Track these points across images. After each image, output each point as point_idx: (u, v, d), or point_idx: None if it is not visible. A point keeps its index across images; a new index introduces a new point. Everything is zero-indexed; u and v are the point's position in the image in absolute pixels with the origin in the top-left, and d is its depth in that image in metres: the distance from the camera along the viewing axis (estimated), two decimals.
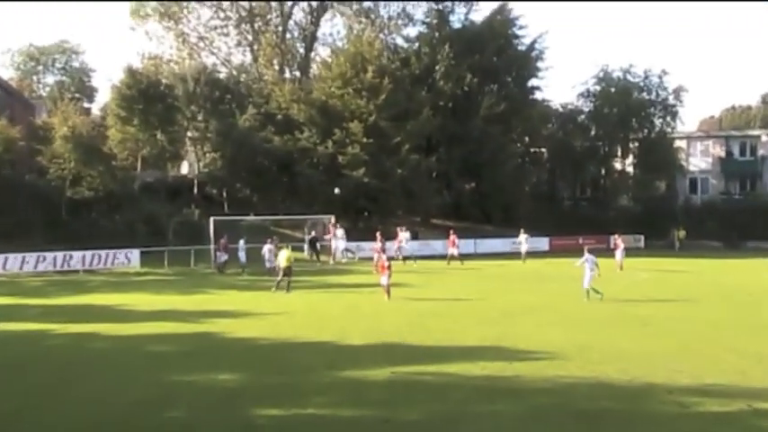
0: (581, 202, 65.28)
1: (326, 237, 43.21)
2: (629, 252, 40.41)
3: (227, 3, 61.61)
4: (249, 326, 20.20)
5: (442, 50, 52.96)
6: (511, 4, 57.77)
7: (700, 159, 66.95)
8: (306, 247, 42.94)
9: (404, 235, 42.97)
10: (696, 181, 66.72)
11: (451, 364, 14.80)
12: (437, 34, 55.41)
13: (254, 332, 19.13)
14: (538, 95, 59.69)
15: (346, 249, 41.79)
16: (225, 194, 52.69)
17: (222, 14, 62.00)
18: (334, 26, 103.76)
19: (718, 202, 63.40)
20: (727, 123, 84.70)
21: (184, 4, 61.20)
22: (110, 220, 43.20)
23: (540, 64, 58.38)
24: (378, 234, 39.42)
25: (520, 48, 58.25)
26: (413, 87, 52.16)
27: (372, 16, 62.31)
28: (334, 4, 62.70)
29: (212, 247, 39.70)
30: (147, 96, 48.91)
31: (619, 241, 39.32)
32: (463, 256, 41.57)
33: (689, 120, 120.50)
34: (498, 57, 56.05)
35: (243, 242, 37.86)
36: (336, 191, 42.69)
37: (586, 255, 25.71)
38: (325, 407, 12.26)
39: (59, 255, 38.25)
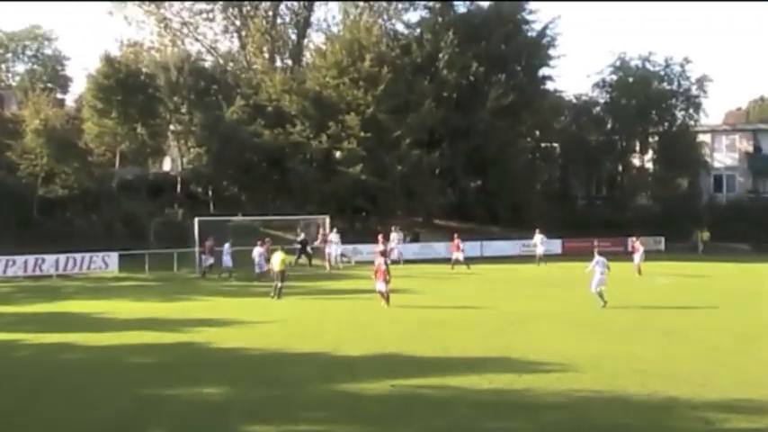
0: (596, 201, 65.27)
1: (318, 242, 42.92)
2: (649, 255, 40.42)
3: None
4: (237, 335, 20.17)
5: (446, 37, 52.98)
6: None
7: (725, 155, 66.92)
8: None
9: (394, 235, 42.90)
10: (721, 178, 66.71)
11: (455, 377, 14.77)
12: (440, 20, 55.43)
13: (242, 342, 19.10)
14: (549, 86, 59.80)
15: (342, 255, 41.57)
16: (210, 193, 52.69)
17: None
18: (328, 11, 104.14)
19: (745, 201, 63.41)
20: (754, 116, 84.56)
21: None
22: (86, 220, 43.16)
23: (551, 51, 58.46)
24: (380, 237, 39.33)
25: (530, 34, 58.30)
26: (414, 77, 52.17)
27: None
28: None
29: (197, 249, 39.68)
30: (126, 87, 48.87)
31: (638, 244, 39.33)
32: (468, 260, 41.56)
33: (713, 112, 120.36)
34: (506, 44, 56.08)
35: (228, 245, 37.86)
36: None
37: (597, 257, 25.72)
38: (319, 423, 12.23)
39: (30, 258, 38.21)
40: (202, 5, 62.12)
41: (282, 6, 62.72)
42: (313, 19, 63.69)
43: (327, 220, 43.79)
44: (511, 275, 38.39)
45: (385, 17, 60.98)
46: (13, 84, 74.04)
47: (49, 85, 66.70)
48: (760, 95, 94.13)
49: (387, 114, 49.40)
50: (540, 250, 44.09)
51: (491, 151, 53.20)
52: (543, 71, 58.96)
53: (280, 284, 28.37)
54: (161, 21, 61.91)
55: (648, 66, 63.44)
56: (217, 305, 27.19)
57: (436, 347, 18.05)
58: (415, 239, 50.58)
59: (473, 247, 46.36)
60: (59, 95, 64.94)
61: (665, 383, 14.31)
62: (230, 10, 62.47)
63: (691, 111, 63.85)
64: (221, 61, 61.52)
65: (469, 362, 16.37)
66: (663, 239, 55.99)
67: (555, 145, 63.01)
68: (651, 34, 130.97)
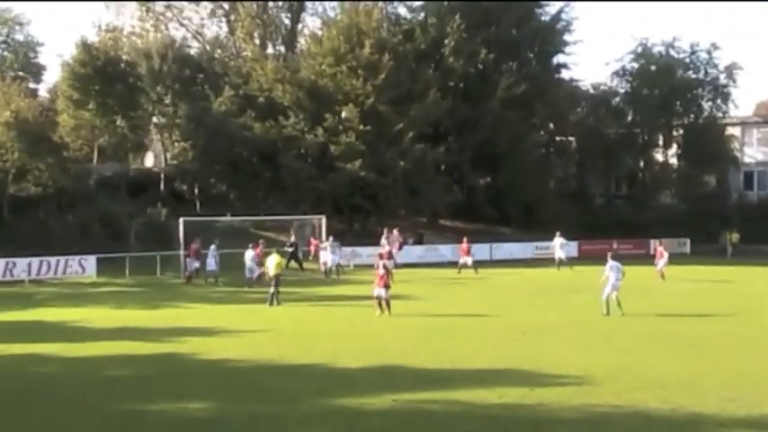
0: (615, 200, 65.26)
1: (310, 248, 42.49)
2: (673, 258, 40.44)
3: None
4: (225, 346, 20.20)
5: (452, 21, 53.01)
6: None
7: (756, 149, 66.84)
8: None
9: (384, 241, 41.38)
10: (752, 175, 66.64)
11: (462, 391, 14.80)
12: (446, 3, 55.45)
13: (232, 353, 19.13)
14: (564, 74, 59.83)
15: (339, 265, 40.41)
16: (196, 191, 52.70)
17: None
18: None
19: None
20: None
21: None
22: (61, 221, 43.19)
23: (567, 37, 58.49)
24: (384, 239, 39.17)
25: (543, 18, 58.34)
26: (418, 65, 52.19)
27: None
28: None
29: (182, 252, 39.71)
30: (104, 75, 48.89)
31: (661, 249, 39.33)
32: (477, 264, 41.59)
33: (743, 103, 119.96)
34: (518, 29, 56.11)
35: (214, 247, 37.87)
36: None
37: (611, 262, 25.73)
38: None
39: (1, 262, 38.23)
40: None
41: None
42: (308, 2, 63.69)
43: (323, 220, 43.75)
44: (522, 281, 38.39)
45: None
46: None
47: (21, 73, 66.58)
48: None
49: (388, 106, 49.42)
50: (559, 254, 43.92)
51: (501, 146, 53.21)
52: (558, 58, 59.03)
53: (274, 290, 28.37)
54: (142, 4, 61.89)
55: (673, 53, 63.44)
56: (203, 313, 27.20)
57: (441, 359, 18.07)
58: (419, 241, 50.60)
59: (481, 250, 46.39)
60: (32, 85, 64.81)
61: (689, 398, 14.34)
62: None
63: (719, 101, 63.81)
64: (208, 48, 61.51)
65: (477, 374, 16.40)
66: (688, 241, 55.99)
67: (570, 139, 62.99)
68: (675, 18, 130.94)
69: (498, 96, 52.43)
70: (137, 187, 51.17)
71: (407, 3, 58.75)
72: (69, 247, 40.11)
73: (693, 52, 63.53)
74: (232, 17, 62.41)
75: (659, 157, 65.04)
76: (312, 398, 14.49)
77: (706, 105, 63.96)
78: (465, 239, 43.12)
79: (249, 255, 35.81)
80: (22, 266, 38.50)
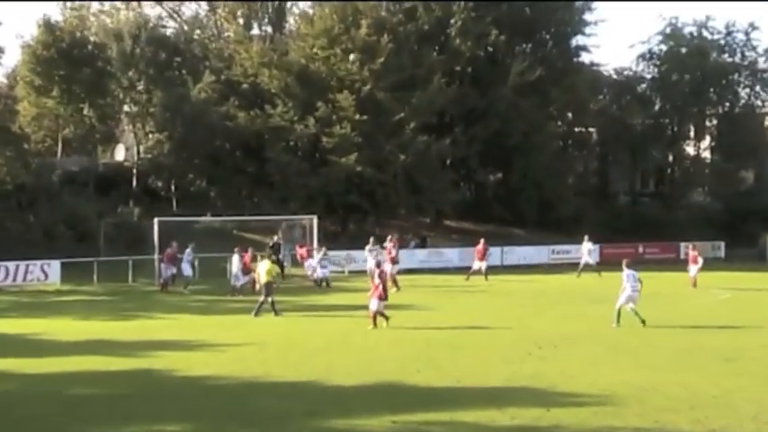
0: (641, 198, 65.32)
1: (299, 256, 42.10)
2: (705, 264, 40.36)
3: None
4: (205, 361, 20.19)
5: None
6: None
7: None
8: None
9: (369, 247, 40.73)
10: None
11: (470, 411, 14.79)
12: None
13: (212, 369, 19.12)
14: (584, 58, 59.78)
15: (323, 280, 39.78)
16: (173, 188, 52.71)
17: None
18: None
19: None
20: None
21: None
22: (20, 221, 43.15)
23: (587, 16, 58.48)
24: (388, 242, 38.90)
25: None
26: (420, 47, 52.18)
27: None
28: None
29: (156, 257, 39.70)
30: (69, 58, 48.86)
31: (695, 253, 39.24)
32: (487, 269, 41.58)
33: None
34: (532, 7, 56.08)
35: (190, 251, 37.78)
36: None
37: (626, 270, 25.75)
38: None
39: None
40: None
41: None
42: None
43: (315, 220, 43.71)
44: (537, 288, 38.37)
45: None
46: None
47: None
48: None
49: (387, 93, 49.41)
50: (587, 259, 43.65)
51: (514, 138, 53.20)
52: (577, 40, 58.98)
53: (268, 299, 28.35)
54: None
55: (705, 33, 63.45)
56: (181, 324, 27.19)
57: (446, 376, 18.07)
58: (422, 244, 50.61)
59: (492, 254, 46.29)
60: None
61: (724, 419, 14.33)
62: None
63: (757, 88, 63.89)
64: (186, 28, 61.51)
65: (487, 393, 16.39)
66: (722, 245, 56.01)
67: (591, 130, 63.01)
68: None
69: (510, 82, 52.41)
70: (106, 184, 51.16)
71: None
72: (30, 251, 40.04)
73: (729, 33, 63.55)
74: None
75: (690, 150, 65.08)
76: (301, 419, 14.47)
77: (743, 92, 64.03)
78: (482, 241, 42.87)
79: (235, 260, 35.82)
80: None
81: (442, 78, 50.63)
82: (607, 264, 45.49)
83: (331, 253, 40.88)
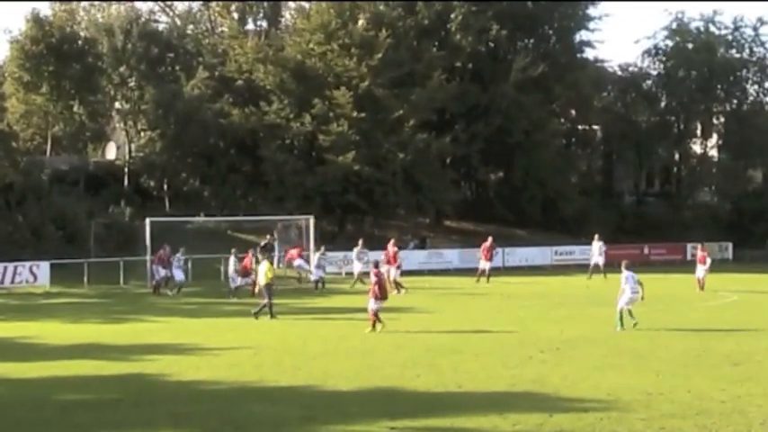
0: (647, 198, 65.40)
1: (290, 256, 42.06)
2: (713, 265, 40.36)
3: None
4: (198, 366, 20.17)
5: None
6: None
7: None
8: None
9: (357, 250, 40.39)
10: None
11: (471, 417, 14.78)
12: None
13: (205, 374, 19.10)
14: (588, 53, 59.96)
15: (321, 281, 39.95)
16: (166, 187, 52.70)
17: None
18: None
19: None
20: None
21: None
22: (9, 221, 43.14)
23: (591, 11, 58.60)
24: (392, 246, 38.70)
25: None
26: (420, 43, 52.22)
27: None
28: None
29: (148, 258, 39.68)
30: (59, 54, 48.86)
31: (704, 253, 39.21)
32: (490, 271, 41.61)
33: None
34: (535, 1, 56.11)
35: (181, 253, 37.62)
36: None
37: (625, 272, 25.77)
38: None
39: None
40: None
41: None
42: None
43: (311, 221, 43.71)
44: (540, 291, 38.38)
45: None
46: None
47: None
48: None
49: (385, 89, 49.43)
50: (596, 260, 43.53)
51: (516, 135, 53.25)
52: (581, 35, 59.12)
53: (268, 301, 28.36)
54: None
55: (713, 28, 63.55)
56: (173, 327, 27.17)
57: (446, 381, 18.06)
58: (422, 245, 50.61)
59: (494, 255, 46.30)
60: None
61: (732, 426, 14.31)
62: None
63: (766, 85, 64.02)
64: (179, 23, 61.50)
65: (488, 398, 16.38)
66: (730, 246, 56.10)
67: (595, 127, 63.08)
68: None
69: (512, 79, 52.46)
70: (97, 183, 51.19)
71: None
72: (18, 252, 40.06)
73: (737, 28, 63.65)
74: None
75: (697, 148, 65.14)
76: (297, 425, 14.46)
77: (751, 89, 64.16)
78: (490, 239, 42.76)
79: (231, 261, 35.81)
80: None
81: (442, 74, 50.66)
82: (611, 266, 45.51)
83: (328, 254, 40.90)
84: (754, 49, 63.81)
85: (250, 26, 61.29)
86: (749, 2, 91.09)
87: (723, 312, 30.51)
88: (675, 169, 65.39)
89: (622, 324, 25.20)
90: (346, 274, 43.08)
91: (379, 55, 49.22)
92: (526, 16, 55.64)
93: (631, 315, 25.23)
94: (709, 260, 38.90)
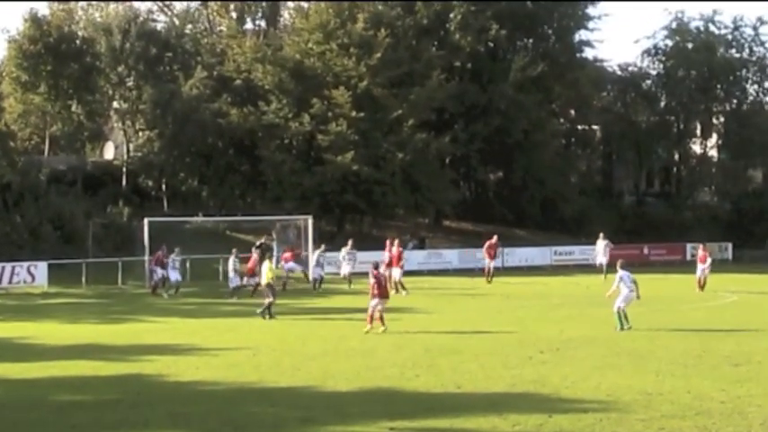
0: (647, 198, 65.39)
1: (284, 258, 41.82)
2: (712, 266, 40.36)
3: None
4: (196, 366, 20.16)
5: None
6: None
7: None
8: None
9: (345, 250, 40.50)
10: None
11: (470, 418, 14.78)
12: None
13: (204, 375, 19.09)
14: (588, 53, 59.96)
15: (321, 279, 39.76)
16: (164, 187, 52.67)
17: None
18: None
19: None
20: None
21: None
22: (6, 221, 43.15)
23: (590, 10, 58.57)
24: (396, 246, 38.48)
25: None
26: (419, 42, 52.21)
27: None
28: None
29: (146, 258, 39.67)
30: (57, 54, 48.85)
31: (704, 253, 39.17)
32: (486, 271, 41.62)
33: None
34: (534, 1, 56.11)
35: (175, 255, 37.45)
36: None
37: (620, 271, 25.78)
38: None
39: None
40: None
41: None
42: None
43: (310, 221, 43.70)
44: (540, 291, 38.37)
45: None
46: None
47: None
48: None
49: (384, 89, 49.42)
50: (601, 259, 43.45)
51: (515, 135, 53.24)
52: (580, 35, 59.14)
53: (272, 300, 28.39)
54: None
55: (713, 28, 63.55)
56: (172, 328, 27.16)
57: (446, 381, 18.05)
58: (421, 245, 50.59)
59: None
60: None
61: (731, 427, 14.31)
62: None
63: (766, 85, 64.01)
64: (177, 22, 61.48)
65: (488, 399, 16.38)
66: (730, 246, 56.09)
67: (595, 127, 63.08)
68: None
69: (512, 78, 52.45)
70: (95, 183, 51.16)
71: None
72: (16, 253, 40.04)
73: (736, 28, 63.64)
74: None
75: (697, 148, 65.13)
76: (296, 426, 14.46)
77: (751, 89, 64.15)
78: (495, 237, 42.72)
79: (232, 261, 35.80)
80: None
81: (441, 74, 50.65)
82: (611, 266, 45.52)
83: (327, 254, 40.84)
84: (754, 48, 63.83)
85: (248, 26, 61.30)
86: (749, 1, 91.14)
87: (723, 313, 30.51)
88: (675, 169, 65.38)
89: (622, 324, 25.21)
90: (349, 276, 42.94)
91: (378, 54, 49.21)
92: (525, 16, 55.64)
93: (626, 318, 25.19)
94: (709, 260, 38.88)
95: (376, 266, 26.73)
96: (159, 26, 58.39)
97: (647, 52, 64.27)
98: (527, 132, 53.45)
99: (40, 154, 52.26)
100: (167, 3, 62.93)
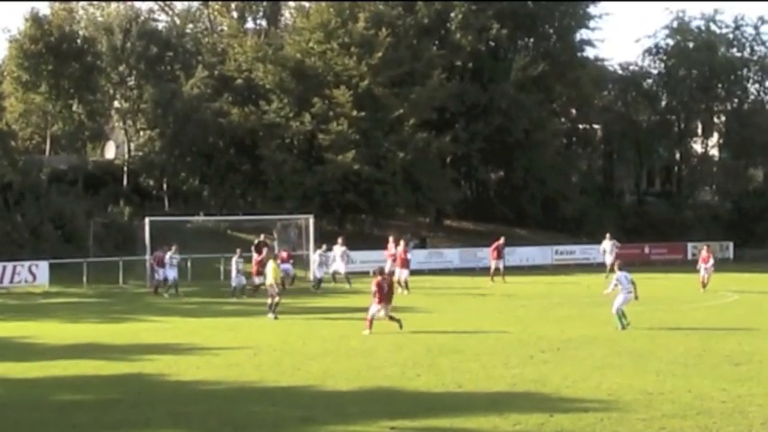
0: (647, 197, 65.42)
1: (280, 258, 41.57)
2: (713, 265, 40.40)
3: None
4: (198, 366, 20.17)
5: None
6: None
7: None
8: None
9: (337, 248, 40.42)
10: None
11: (471, 418, 14.77)
12: None
13: (205, 374, 19.10)
14: (589, 52, 59.99)
15: (320, 280, 40.12)
16: (165, 187, 52.68)
17: None
18: None
19: None
20: None
21: None
22: (7, 221, 43.15)
23: (591, 10, 58.57)
24: (402, 246, 38.37)
25: None
26: (420, 41, 52.21)
27: None
28: None
29: (147, 257, 39.69)
30: (58, 53, 48.85)
31: (707, 254, 39.13)
32: (487, 270, 41.57)
33: None
34: (535, 0, 56.12)
35: (172, 253, 37.37)
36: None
37: (618, 272, 25.77)
38: None
39: None
40: None
41: None
42: None
43: (311, 220, 43.73)
44: (541, 290, 38.37)
45: None
46: None
47: None
48: None
49: (385, 88, 49.43)
50: (608, 259, 43.45)
51: (516, 134, 53.25)
52: (581, 34, 59.17)
53: (277, 299, 28.41)
54: None
55: (714, 27, 63.57)
56: (173, 327, 27.18)
57: (447, 381, 18.05)
58: (422, 245, 50.58)
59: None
60: None
61: (733, 426, 14.30)
62: None
63: (767, 84, 63.94)
64: (178, 22, 61.50)
65: (489, 398, 16.38)
66: (731, 246, 56.09)
67: (596, 127, 63.10)
68: None
69: (513, 78, 52.46)
70: (95, 182, 51.17)
71: None
72: (17, 252, 40.06)
73: (738, 27, 63.66)
74: None
75: (698, 147, 65.16)
76: (297, 426, 14.46)
77: (752, 88, 64.21)
78: (502, 238, 42.76)
79: (234, 261, 35.82)
80: None
81: (442, 73, 50.66)
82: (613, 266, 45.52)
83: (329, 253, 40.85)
84: (755, 48, 63.85)
85: (249, 25, 61.31)
86: (750, 1, 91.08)
87: (724, 312, 30.51)
88: (676, 168, 65.41)
89: (622, 324, 25.23)
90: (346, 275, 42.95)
91: (379, 54, 49.22)
92: (526, 15, 55.65)
93: (625, 316, 25.21)
94: (711, 260, 38.85)
95: (381, 272, 26.61)
96: (160, 26, 58.43)
97: (648, 51, 64.35)
98: (528, 132, 53.47)
99: (41, 153, 52.28)
100: (168, 2, 63.03)
